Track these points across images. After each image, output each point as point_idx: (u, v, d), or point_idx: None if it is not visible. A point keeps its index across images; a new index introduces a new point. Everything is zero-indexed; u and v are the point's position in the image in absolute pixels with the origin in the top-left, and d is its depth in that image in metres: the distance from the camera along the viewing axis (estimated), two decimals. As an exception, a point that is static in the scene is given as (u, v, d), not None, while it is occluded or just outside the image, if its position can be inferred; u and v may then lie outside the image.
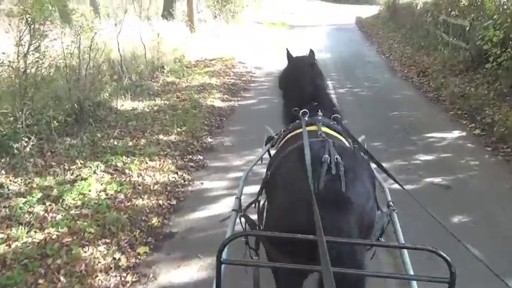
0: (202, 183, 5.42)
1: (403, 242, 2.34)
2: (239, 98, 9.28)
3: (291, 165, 2.20)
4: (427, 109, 8.84)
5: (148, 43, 12.28)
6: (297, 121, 2.85)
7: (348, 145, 2.65)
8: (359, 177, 2.10)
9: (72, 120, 6.56)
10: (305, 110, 2.86)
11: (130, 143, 6.27)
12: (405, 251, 2.21)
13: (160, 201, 4.81)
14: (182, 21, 16.56)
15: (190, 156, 6.10)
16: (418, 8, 15.55)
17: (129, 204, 4.66)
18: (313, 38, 18.93)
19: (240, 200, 2.69)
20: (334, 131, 2.72)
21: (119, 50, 9.26)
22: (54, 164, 5.39)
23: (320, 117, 2.78)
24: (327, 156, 2.05)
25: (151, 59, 10.69)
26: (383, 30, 20.02)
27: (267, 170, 2.45)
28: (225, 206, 4.74)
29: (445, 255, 1.47)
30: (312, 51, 3.57)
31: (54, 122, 6.04)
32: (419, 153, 6.46)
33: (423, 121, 8.00)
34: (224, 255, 1.66)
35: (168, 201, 4.86)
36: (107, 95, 7.91)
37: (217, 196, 5.08)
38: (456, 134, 7.31)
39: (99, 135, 6.44)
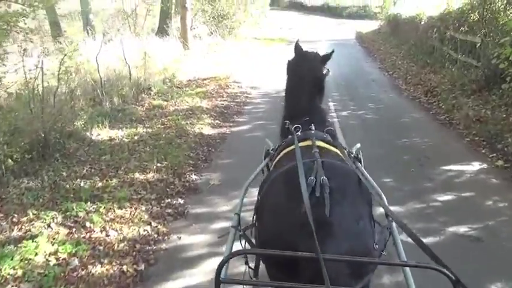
0: (180, 238, 4.41)
1: (403, 254, 2.17)
2: (231, 124, 8.31)
3: (277, 191, 2.16)
4: (440, 135, 7.88)
5: (137, 62, 11.45)
6: (290, 136, 2.78)
7: (344, 157, 2.51)
8: (348, 198, 2.00)
9: (35, 156, 5.60)
10: (298, 125, 2.79)
11: (99, 184, 5.30)
12: (407, 268, 2.04)
13: (125, 267, 3.80)
14: (176, 38, 15.73)
15: (169, 200, 5.11)
16: (422, 23, 14.68)
17: (83, 273, 3.66)
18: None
19: (239, 216, 2.50)
20: (329, 144, 2.63)
21: (98, 71, 8.34)
22: (0, 215, 4.42)
23: (313, 131, 2.70)
24: (312, 178, 1.97)
25: (138, 79, 9.77)
26: (385, 46, 19.15)
27: (258, 194, 2.38)
28: (205, 272, 3.76)
29: (451, 274, 1.43)
30: (317, 54, 3.38)
31: (9, 160, 5.08)
32: (437, 192, 5.48)
33: (437, 150, 7.04)
34: (223, 274, 1.65)
35: (135, 267, 3.84)
36: (82, 123, 6.97)
37: (197, 257, 4.07)
38: (476, 166, 6.33)
39: (64, 173, 5.47)
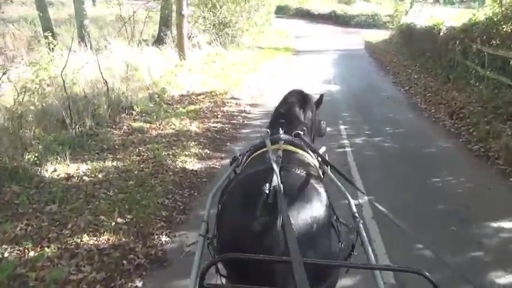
0: None
1: (371, 254, 2.06)
2: (223, 154, 6.74)
3: (233, 199, 2.16)
4: (478, 173, 6.33)
5: (124, 75, 10.00)
6: (258, 141, 2.92)
7: (311, 159, 2.66)
8: (302, 203, 1.99)
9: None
10: (267, 130, 2.99)
11: (30, 253, 3.80)
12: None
13: None
14: (173, 48, 14.27)
15: (122, 282, 3.58)
16: (441, 34, 13.13)
17: None
18: (320, 65, 16.54)
19: (208, 223, 2.38)
20: (296, 147, 2.69)
21: (64, 88, 6.87)
22: None
23: (281, 135, 2.79)
24: (267, 185, 1.97)
25: (118, 96, 8.29)
26: (397, 58, 17.59)
27: (218, 203, 2.36)
28: None
29: (430, 277, 1.45)
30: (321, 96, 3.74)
31: None
32: (493, 268, 3.95)
33: (478, 196, 5.50)
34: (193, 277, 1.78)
35: None
36: (33, 156, 5.49)
37: None
38: (534, 222, 4.80)
39: (-12, 235, 3.99)
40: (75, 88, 8.22)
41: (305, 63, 17.01)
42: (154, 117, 8.12)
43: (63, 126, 6.83)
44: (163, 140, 7.02)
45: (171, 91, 10.37)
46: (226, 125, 8.35)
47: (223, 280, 2.13)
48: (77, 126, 6.79)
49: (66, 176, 5.42)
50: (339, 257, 2.11)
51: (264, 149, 2.51)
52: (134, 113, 8.14)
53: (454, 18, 13.17)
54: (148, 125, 7.68)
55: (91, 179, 5.39)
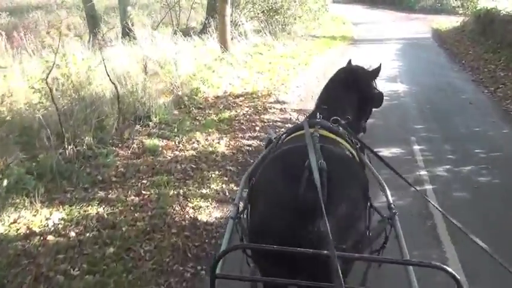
0: None
1: (405, 247, 1.97)
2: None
3: (272, 172, 2.08)
4: None
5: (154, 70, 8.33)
6: (294, 125, 2.88)
7: (348, 147, 2.52)
8: (345, 184, 1.96)
9: None
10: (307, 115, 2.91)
11: None
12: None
13: None
14: (215, 38, 12.44)
15: None
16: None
17: None
18: (382, 57, 14.12)
19: (238, 206, 2.33)
20: (333, 133, 2.56)
21: (52, 98, 5.20)
22: None
23: (319, 120, 2.66)
24: (312, 160, 1.88)
25: (134, 102, 6.57)
26: (474, 49, 14.78)
27: (251, 177, 2.32)
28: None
29: (453, 272, 1.41)
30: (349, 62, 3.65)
31: None
32: None
33: None
34: (219, 267, 1.66)
35: None
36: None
37: None
38: None
39: None
40: (87, 91, 6.59)
41: (365, 55, 14.60)
42: (176, 129, 6.34)
43: (56, 145, 5.21)
44: (178, 166, 5.22)
45: (206, 91, 8.57)
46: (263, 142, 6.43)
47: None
48: (71, 146, 5.14)
49: (27, 231, 3.75)
50: (364, 242, 2.03)
51: (300, 132, 2.41)
52: (152, 124, 6.38)
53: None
54: (164, 143, 5.91)
55: (58, 239, 3.68)
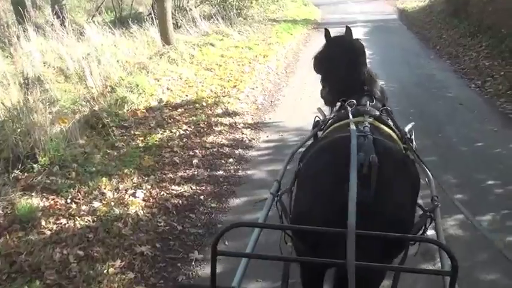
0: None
1: (443, 239, 1.85)
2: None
3: (321, 160, 1.96)
4: None
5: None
6: (343, 111, 2.44)
7: (396, 139, 2.30)
8: (394, 181, 1.82)
9: None
10: (352, 100, 2.45)
11: None
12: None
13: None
14: (156, 27, 10.20)
15: None
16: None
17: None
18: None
19: (280, 183, 2.24)
20: (383, 123, 2.31)
21: None
22: None
23: (368, 109, 2.38)
24: (362, 154, 1.73)
25: (13, 132, 4.41)
26: (447, 33, 13.08)
27: (299, 161, 2.20)
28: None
29: (447, 247, 1.37)
30: (348, 29, 2.89)
31: None
32: None
33: None
34: (252, 243, 1.74)
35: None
36: None
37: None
38: None
39: None
40: None
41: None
42: (74, 173, 4.25)
43: None
44: (58, 255, 3.15)
45: (135, 102, 6.46)
46: (204, 186, 4.42)
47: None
48: None
49: None
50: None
51: (348, 120, 2.14)
52: (37, 167, 4.25)
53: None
54: (50, 201, 3.83)
55: None
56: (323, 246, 1.63)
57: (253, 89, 7.68)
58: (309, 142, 2.54)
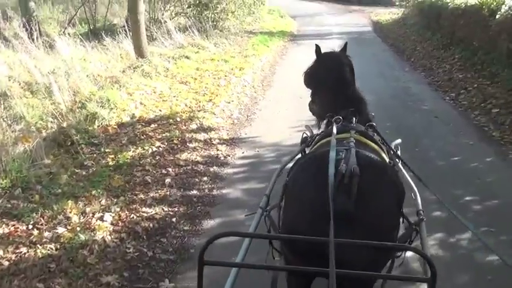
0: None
1: (428, 252, 1.95)
2: None
3: (304, 174, 2.02)
4: None
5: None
6: (330, 127, 2.50)
7: (382, 154, 2.34)
8: (376, 191, 1.86)
9: None
10: (339, 117, 2.50)
11: None
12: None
13: None
14: (130, 39, 9.97)
15: None
16: (498, 16, 8.92)
17: None
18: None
19: (269, 198, 2.33)
20: (368, 139, 2.36)
21: None
22: None
23: (354, 125, 2.46)
24: (344, 165, 1.80)
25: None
26: (421, 45, 13.28)
27: (287, 176, 2.22)
28: None
29: (426, 254, 1.44)
30: (345, 45, 3.14)
31: None
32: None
33: None
34: (241, 254, 1.78)
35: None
36: None
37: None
38: None
39: None
40: None
41: (307, 54, 12.70)
42: (37, 197, 3.99)
43: None
44: (16, 287, 2.92)
45: (106, 118, 6.22)
46: (177, 207, 4.22)
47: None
48: None
49: None
50: (392, 253, 2.03)
51: (337, 136, 2.19)
52: (-3, 190, 3.99)
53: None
54: (9, 229, 3.54)
55: None
56: (310, 255, 1.64)
57: (229, 103, 7.52)
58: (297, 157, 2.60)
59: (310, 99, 3.23)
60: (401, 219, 2.08)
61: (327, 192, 1.71)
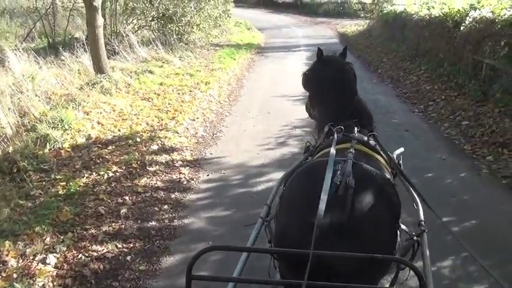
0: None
1: (429, 267, 1.84)
2: None
3: (298, 184, 2.00)
4: None
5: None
6: (331, 137, 2.40)
7: (384, 164, 2.33)
8: (372, 204, 1.81)
9: None
10: (340, 127, 2.43)
11: None
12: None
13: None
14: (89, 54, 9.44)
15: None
16: (463, 27, 8.89)
17: None
18: (293, 69, 12.11)
19: (270, 207, 2.25)
20: (370, 148, 2.34)
21: None
22: None
23: (356, 135, 2.38)
24: (339, 177, 1.80)
25: None
26: (387, 57, 13.28)
27: (283, 186, 2.25)
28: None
29: (415, 266, 1.40)
30: (345, 49, 3.05)
31: None
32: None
33: None
34: (239, 267, 1.71)
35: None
36: None
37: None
38: None
39: None
40: None
41: (274, 68, 12.45)
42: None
43: None
44: None
45: (59, 140, 5.70)
46: (132, 242, 3.76)
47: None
48: None
49: None
50: (388, 265, 1.97)
51: (339, 146, 2.20)
52: None
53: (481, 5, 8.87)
54: None
55: None
56: (301, 267, 1.60)
57: (193, 120, 7.12)
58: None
59: (307, 101, 3.19)
60: (399, 231, 2.02)
61: (318, 204, 1.66)
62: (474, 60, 8.56)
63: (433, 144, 6.47)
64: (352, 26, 21.29)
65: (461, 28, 8.95)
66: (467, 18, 8.75)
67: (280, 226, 1.96)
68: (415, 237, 2.08)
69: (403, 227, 2.08)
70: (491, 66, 7.90)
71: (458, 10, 9.61)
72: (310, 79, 2.94)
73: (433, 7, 11.49)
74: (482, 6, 8.65)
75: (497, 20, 7.69)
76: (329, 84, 2.74)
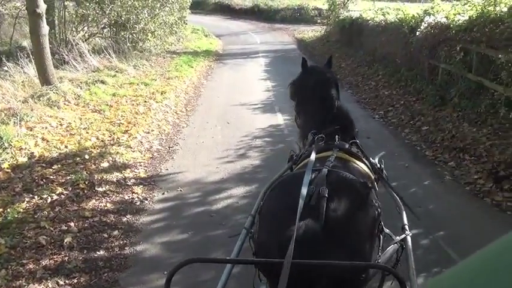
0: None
1: (413, 268, 1.85)
2: None
3: (275, 195, 1.99)
4: None
5: None
6: (313, 146, 2.45)
7: (365, 168, 2.35)
8: (347, 211, 1.78)
9: None
10: (322, 135, 2.47)
11: None
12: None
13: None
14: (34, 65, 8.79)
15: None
16: (418, 33, 8.94)
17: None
18: (252, 76, 11.90)
19: (254, 218, 2.18)
20: (351, 155, 2.36)
21: None
22: None
23: (337, 143, 2.40)
24: (312, 187, 1.80)
25: None
26: (345, 62, 13.29)
27: (262, 199, 2.18)
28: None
29: (395, 271, 1.43)
30: (330, 59, 3.17)
31: None
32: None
33: None
34: (225, 276, 1.69)
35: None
36: None
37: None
38: None
39: None
40: None
41: (232, 76, 12.17)
42: None
43: None
44: None
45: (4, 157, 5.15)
46: (77, 277, 3.31)
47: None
48: None
49: None
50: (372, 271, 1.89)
51: (321, 154, 2.24)
52: None
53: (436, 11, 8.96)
54: None
55: None
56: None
57: (148, 133, 6.69)
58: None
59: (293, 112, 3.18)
60: (381, 237, 1.99)
61: (294, 215, 1.64)
62: (430, 65, 8.63)
63: (395, 151, 6.37)
64: (310, 32, 21.36)
65: (417, 33, 8.99)
66: (423, 23, 8.80)
67: (260, 240, 1.93)
68: (398, 242, 2.05)
69: (387, 231, 2.04)
70: (448, 71, 7.95)
71: (413, 16, 9.67)
72: (295, 88, 2.97)
73: (388, 13, 11.60)
74: (437, 11, 8.73)
75: (451, 26, 7.74)
76: (311, 92, 2.78)
